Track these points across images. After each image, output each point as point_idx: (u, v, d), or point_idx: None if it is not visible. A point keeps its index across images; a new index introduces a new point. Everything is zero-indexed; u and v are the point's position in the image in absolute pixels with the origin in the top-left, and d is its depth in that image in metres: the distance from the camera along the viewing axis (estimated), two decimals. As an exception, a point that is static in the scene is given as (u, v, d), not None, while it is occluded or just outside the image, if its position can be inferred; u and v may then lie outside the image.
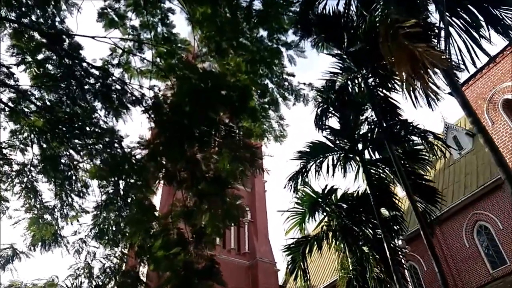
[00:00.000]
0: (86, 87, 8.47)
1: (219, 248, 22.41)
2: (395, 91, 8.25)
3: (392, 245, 8.42)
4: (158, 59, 8.90)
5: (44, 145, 8.96)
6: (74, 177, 10.11)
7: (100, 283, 11.48)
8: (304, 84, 9.99)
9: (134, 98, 8.82)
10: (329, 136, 8.73)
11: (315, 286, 24.30)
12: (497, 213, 17.63)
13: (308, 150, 8.86)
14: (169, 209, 9.24)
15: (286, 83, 9.75)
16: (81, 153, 9.41)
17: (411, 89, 6.60)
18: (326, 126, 8.68)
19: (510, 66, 10.28)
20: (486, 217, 18.04)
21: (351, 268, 8.88)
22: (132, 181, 9.52)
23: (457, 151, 21.67)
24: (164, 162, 9.60)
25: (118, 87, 8.80)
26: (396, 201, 8.91)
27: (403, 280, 6.92)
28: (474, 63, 5.63)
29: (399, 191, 11.77)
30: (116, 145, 9.33)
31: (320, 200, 9.53)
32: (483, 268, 17.60)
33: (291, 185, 8.97)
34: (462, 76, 10.99)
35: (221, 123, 8.39)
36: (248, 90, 8.54)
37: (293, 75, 9.89)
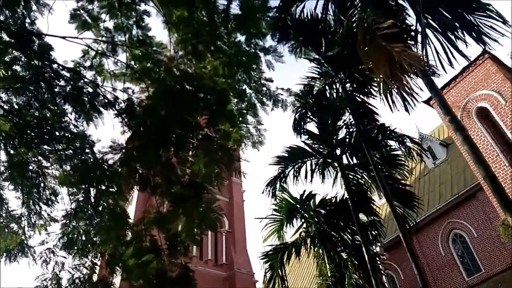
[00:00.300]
0: (56, 89, 8.16)
1: (195, 259, 21.95)
2: (372, 96, 8.25)
3: (370, 251, 8.33)
4: (132, 62, 8.65)
5: (11, 151, 8.58)
6: (42, 184, 9.76)
7: (68, 296, 10.94)
8: (282, 89, 9.94)
9: (106, 101, 8.53)
10: (307, 141, 8.65)
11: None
12: (471, 221, 17.89)
13: (286, 155, 8.73)
14: (142, 215, 8.94)
15: (264, 88, 9.65)
16: (50, 159, 9.07)
17: (388, 92, 6.58)
18: (304, 131, 8.59)
19: (483, 74, 10.48)
20: (461, 225, 18.28)
21: (329, 275, 8.73)
22: (103, 187, 9.18)
23: (432, 161, 22.02)
24: (137, 167, 9.30)
25: (90, 89, 8.51)
26: (374, 208, 8.86)
27: (382, 286, 6.79)
28: (451, 64, 5.63)
29: (377, 199, 11.78)
30: (87, 150, 9.00)
31: (298, 206, 9.39)
32: (459, 276, 17.77)
33: (269, 191, 8.80)
34: (438, 84, 11.13)
35: (198, 126, 8.22)
36: (226, 93, 8.38)
37: (271, 80, 9.81)
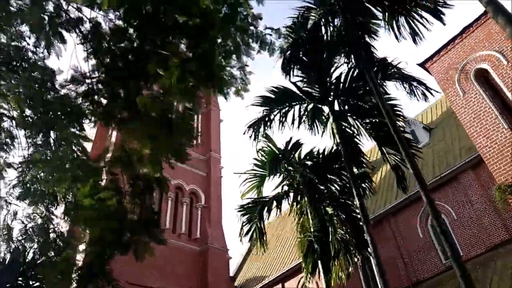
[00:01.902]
0: (12, 9, 6.90)
1: (168, 231, 20.85)
2: (373, 35, 7.28)
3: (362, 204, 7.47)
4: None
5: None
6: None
7: (20, 247, 9.82)
8: (272, 29, 8.89)
9: (70, 22, 7.31)
10: (298, 83, 7.63)
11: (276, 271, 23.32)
12: (452, 203, 17.33)
13: (273, 96, 7.71)
14: (102, 151, 7.77)
15: (252, 28, 8.60)
16: (7, 98, 7.90)
17: (394, 20, 5.61)
18: (294, 71, 7.58)
19: (485, 34, 9.74)
20: (441, 207, 17.68)
21: (312, 230, 7.80)
22: (65, 130, 8.01)
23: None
24: (102, 100, 8.12)
25: (51, 8, 7.26)
26: (365, 161, 7.98)
27: (371, 239, 5.90)
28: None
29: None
30: (47, 84, 7.80)
31: (282, 156, 8.41)
32: (436, 258, 17.20)
33: (252, 133, 7.76)
34: (434, 47, 10.23)
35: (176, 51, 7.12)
36: (210, 18, 7.29)
37: (260, 18, 8.76)
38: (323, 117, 8.00)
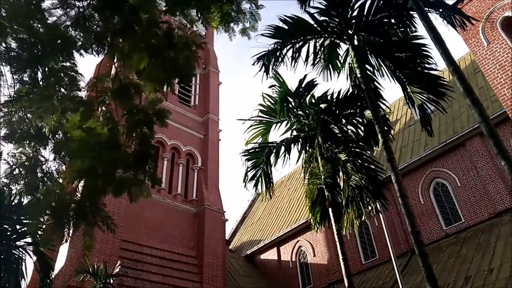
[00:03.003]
0: None
1: (164, 191, 20.23)
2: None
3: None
4: None
5: None
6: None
7: (6, 188, 9.11)
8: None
9: None
10: (315, 14, 6.74)
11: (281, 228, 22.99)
12: (456, 170, 16.81)
13: (286, 27, 6.84)
14: (94, 81, 6.95)
15: None
16: None
17: None
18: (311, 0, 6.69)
19: None
20: (445, 174, 17.21)
21: (323, 176, 7.14)
22: (54, 64, 7.16)
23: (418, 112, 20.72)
24: (95, 28, 7.27)
25: None
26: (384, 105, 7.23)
27: (400, 191, 5.21)
28: None
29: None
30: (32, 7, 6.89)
31: (293, 97, 7.62)
32: (437, 225, 16.82)
33: (262, 65, 6.91)
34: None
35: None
36: None
37: None
38: (340, 56, 7.18)
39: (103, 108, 6.48)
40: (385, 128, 6.78)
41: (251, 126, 8.39)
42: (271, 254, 22.10)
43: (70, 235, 5.80)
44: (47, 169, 7.50)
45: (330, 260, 19.45)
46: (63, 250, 16.22)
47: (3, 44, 7.60)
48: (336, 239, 6.92)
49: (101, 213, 6.00)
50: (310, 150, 7.81)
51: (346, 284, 6.61)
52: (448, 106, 19.69)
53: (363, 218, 7.26)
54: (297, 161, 7.97)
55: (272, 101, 8.38)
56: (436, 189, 17.53)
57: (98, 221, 6.00)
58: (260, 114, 8.52)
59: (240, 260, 23.04)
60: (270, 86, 7.71)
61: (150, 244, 18.09)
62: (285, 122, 8.43)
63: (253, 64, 6.81)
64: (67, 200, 5.58)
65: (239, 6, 7.53)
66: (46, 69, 7.00)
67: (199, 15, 7.04)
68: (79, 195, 5.77)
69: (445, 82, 6.28)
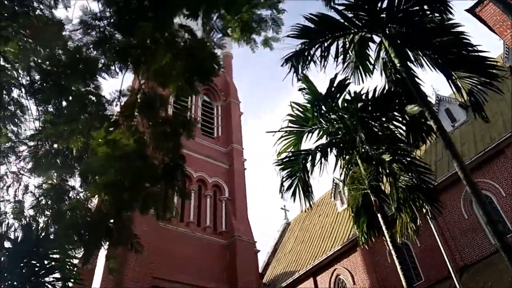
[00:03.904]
0: None
1: (193, 225, 19.66)
2: None
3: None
4: None
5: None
6: (6, 98, 7.74)
7: (32, 221, 8.66)
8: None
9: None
10: (342, 10, 6.33)
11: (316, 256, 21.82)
12: (499, 180, 15.64)
13: (312, 26, 6.43)
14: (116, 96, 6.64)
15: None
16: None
17: None
18: (338, -4, 6.30)
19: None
20: (487, 185, 16.02)
21: (367, 181, 6.45)
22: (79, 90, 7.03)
23: (450, 123, 19.83)
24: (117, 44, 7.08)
25: None
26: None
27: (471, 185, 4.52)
28: None
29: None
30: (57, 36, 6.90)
31: (324, 99, 7.09)
32: (485, 240, 15.47)
33: (290, 66, 6.45)
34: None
35: None
36: None
37: None
38: (372, 51, 6.68)
39: (129, 122, 6.13)
40: (429, 122, 6.14)
41: (281, 137, 7.87)
42: (307, 285, 20.86)
43: (93, 255, 5.27)
44: (74, 196, 7.11)
45: (371, 287, 18.11)
46: (96, 280, 15.69)
47: (27, 77, 7.46)
48: (391, 248, 6.14)
49: (127, 231, 5.47)
50: (347, 156, 7.18)
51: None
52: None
53: (418, 223, 6.47)
54: (334, 168, 7.34)
55: (301, 109, 7.89)
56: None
57: (124, 241, 5.45)
58: (290, 124, 8.02)
59: (275, 294, 21.86)
60: (300, 89, 7.25)
61: (181, 279, 17.33)
62: (317, 131, 7.87)
63: (281, 66, 6.38)
64: (92, 216, 5.11)
65: (260, 16, 7.19)
66: (70, 96, 6.77)
67: (218, 25, 6.76)
68: (104, 211, 5.28)
69: (495, 63, 5.66)
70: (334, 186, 23.45)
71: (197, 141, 21.67)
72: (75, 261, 6.56)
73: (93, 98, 6.86)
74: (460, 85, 5.74)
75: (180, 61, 4.99)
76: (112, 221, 5.24)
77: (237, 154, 23.30)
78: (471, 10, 9.61)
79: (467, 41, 6.02)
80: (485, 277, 13.73)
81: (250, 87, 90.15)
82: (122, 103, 6.23)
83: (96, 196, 4.88)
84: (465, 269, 15.44)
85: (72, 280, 8.36)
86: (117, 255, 6.06)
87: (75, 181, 7.37)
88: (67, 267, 8.50)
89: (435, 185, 14.62)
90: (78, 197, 6.04)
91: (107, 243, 5.42)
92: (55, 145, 7.13)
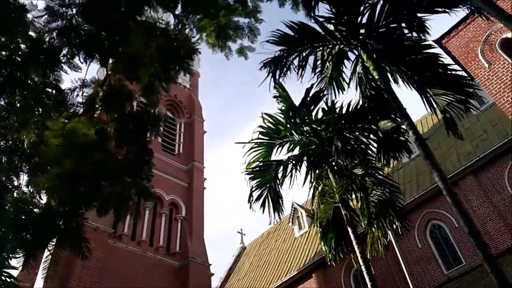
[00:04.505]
0: None
1: (144, 244, 18.60)
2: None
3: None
4: None
5: None
6: None
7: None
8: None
9: None
10: (323, 22, 6.27)
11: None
12: (452, 211, 16.10)
13: (292, 33, 6.31)
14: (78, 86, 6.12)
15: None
16: None
17: None
18: (319, 5, 6.26)
19: (509, 5, 8.86)
20: (441, 215, 16.45)
21: (338, 194, 6.23)
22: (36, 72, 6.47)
23: (406, 155, 20.40)
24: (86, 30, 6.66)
25: None
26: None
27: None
28: None
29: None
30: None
31: (299, 109, 6.90)
32: (437, 269, 15.70)
33: (268, 72, 6.24)
34: (451, 22, 9.30)
35: None
36: None
37: None
38: (350, 64, 6.65)
39: (90, 114, 5.59)
40: (402, 138, 6.11)
41: (251, 148, 7.57)
42: (261, 312, 20.17)
43: (34, 260, 4.57)
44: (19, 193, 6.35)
45: (327, 314, 17.77)
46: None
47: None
48: (361, 263, 5.88)
49: (78, 233, 4.81)
50: (318, 169, 6.98)
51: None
52: (435, 149, 19.52)
53: (388, 239, 6.31)
54: (304, 182, 7.10)
55: (273, 121, 7.67)
56: (433, 232, 16.66)
57: (73, 244, 4.77)
58: (261, 136, 7.76)
59: (227, 320, 20.92)
60: (275, 97, 7.05)
61: (130, 302, 16.13)
62: (287, 144, 7.66)
63: (260, 69, 6.16)
64: (39, 213, 4.45)
65: (236, 23, 6.99)
66: (26, 89, 6.16)
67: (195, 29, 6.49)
68: (55, 208, 4.62)
69: (470, 82, 5.75)
70: (292, 211, 23.25)
71: (156, 157, 20.83)
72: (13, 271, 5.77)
73: (52, 91, 6.29)
74: (435, 102, 5.76)
75: (155, 41, 4.61)
76: (62, 220, 4.60)
77: (197, 173, 22.67)
78: (438, 41, 10.01)
79: (442, 61, 6.12)
80: (438, 306, 13.80)
81: (218, 108, 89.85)
82: (85, 94, 5.72)
83: (46, 189, 4.23)
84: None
85: None
86: (59, 264, 5.34)
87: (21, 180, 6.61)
88: (2, 279, 7.49)
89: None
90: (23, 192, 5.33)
91: (54, 245, 4.76)
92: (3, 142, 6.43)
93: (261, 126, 7.78)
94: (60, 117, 5.06)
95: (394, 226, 6.25)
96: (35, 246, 4.39)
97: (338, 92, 7.14)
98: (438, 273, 15.65)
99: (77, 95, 5.73)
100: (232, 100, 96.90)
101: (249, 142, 7.71)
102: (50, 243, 4.67)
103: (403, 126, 6.22)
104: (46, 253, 5.81)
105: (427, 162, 4.77)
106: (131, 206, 5.03)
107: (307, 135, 7.08)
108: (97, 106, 5.59)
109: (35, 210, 4.51)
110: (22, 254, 4.74)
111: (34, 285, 15.67)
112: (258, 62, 6.43)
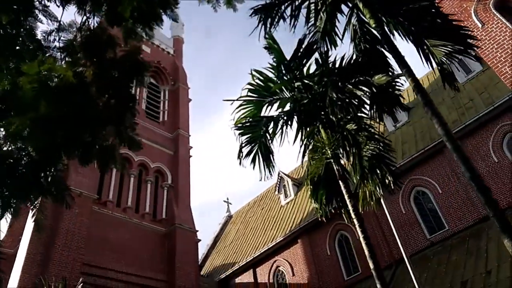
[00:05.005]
0: None
1: (130, 211, 18.39)
2: None
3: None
4: None
5: None
6: None
7: None
8: None
9: None
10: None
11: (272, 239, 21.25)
12: (436, 178, 16.26)
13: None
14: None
15: None
16: None
17: None
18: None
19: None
20: (425, 182, 16.61)
21: (330, 150, 6.05)
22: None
23: (392, 124, 20.45)
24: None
25: None
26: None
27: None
28: None
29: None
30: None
31: (290, 63, 6.60)
32: (420, 234, 16.00)
33: (259, 19, 5.88)
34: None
35: None
36: None
37: None
38: (345, 12, 6.31)
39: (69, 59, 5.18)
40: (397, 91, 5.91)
41: (240, 105, 7.28)
42: (246, 277, 20.41)
43: (15, 210, 4.26)
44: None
45: (310, 279, 18.06)
46: (18, 263, 14.04)
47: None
48: (353, 216, 5.77)
49: (60, 182, 4.51)
50: (310, 127, 6.76)
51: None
52: (421, 117, 19.54)
53: (379, 193, 6.20)
54: (295, 140, 6.87)
55: (262, 78, 7.35)
56: (417, 198, 16.86)
57: (54, 192, 4.47)
58: (249, 93, 7.45)
59: (213, 286, 21.14)
60: (265, 48, 6.71)
61: (116, 267, 16.05)
62: (278, 102, 7.38)
63: (250, 16, 5.79)
64: (15, 163, 4.12)
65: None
66: None
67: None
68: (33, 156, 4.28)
69: (470, 32, 5.51)
70: (279, 180, 23.25)
71: (140, 124, 20.38)
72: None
73: (27, 38, 5.81)
74: (432, 54, 5.52)
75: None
76: (42, 170, 4.27)
77: (182, 141, 22.32)
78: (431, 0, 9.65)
79: (441, 11, 5.84)
80: (421, 268, 14.11)
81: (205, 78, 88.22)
82: (63, 39, 5.29)
83: (19, 133, 3.86)
84: (401, 261, 15.82)
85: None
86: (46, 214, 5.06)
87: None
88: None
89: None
90: None
91: (34, 196, 4.45)
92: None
93: (250, 84, 7.46)
94: (36, 61, 4.64)
95: (387, 181, 6.13)
96: (15, 197, 4.07)
97: (331, 47, 6.84)
98: (421, 237, 15.95)
99: (54, 39, 5.30)
100: (219, 73, 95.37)
101: (237, 100, 7.40)
102: (32, 195, 4.35)
103: (399, 80, 5.99)
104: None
105: (426, 109, 4.57)
106: (116, 156, 4.73)
107: (299, 90, 6.80)
108: (77, 53, 5.17)
109: (9, 159, 4.15)
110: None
111: (17, 251, 15.41)
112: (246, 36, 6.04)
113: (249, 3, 7.08)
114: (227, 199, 28.61)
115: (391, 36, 5.99)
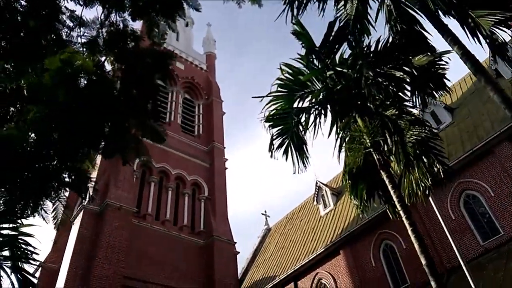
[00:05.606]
0: None
1: (169, 224, 18.36)
2: None
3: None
4: None
5: None
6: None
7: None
8: None
9: None
10: None
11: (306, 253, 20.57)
12: (487, 180, 15.01)
13: (312, -38, 5.59)
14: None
15: None
16: None
17: None
18: None
19: None
20: (475, 185, 15.39)
21: (368, 139, 5.53)
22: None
23: (435, 125, 19.34)
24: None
25: None
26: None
27: None
28: None
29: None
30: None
31: (320, 50, 6.19)
32: (473, 241, 14.72)
33: (287, 1, 5.55)
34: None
35: None
36: None
37: None
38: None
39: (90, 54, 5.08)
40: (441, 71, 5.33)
41: (270, 101, 6.93)
42: (288, 290, 19.66)
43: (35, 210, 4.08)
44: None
45: (354, 291, 17.10)
46: (61, 278, 14.18)
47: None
48: (400, 210, 5.18)
49: (80, 174, 4.29)
50: (344, 118, 6.28)
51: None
52: (466, 117, 18.37)
53: (428, 183, 5.57)
54: (330, 132, 6.39)
55: (292, 72, 6.99)
56: (467, 202, 15.62)
57: (75, 183, 4.24)
58: (279, 88, 7.09)
59: (254, 300, 20.53)
60: (293, 33, 6.35)
61: (155, 280, 15.93)
62: (309, 97, 6.97)
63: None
64: (35, 151, 3.95)
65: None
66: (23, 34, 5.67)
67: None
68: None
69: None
70: (317, 190, 22.54)
71: (176, 138, 20.55)
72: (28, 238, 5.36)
73: (52, 37, 5.78)
74: (478, 26, 4.94)
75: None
76: (62, 160, 4.08)
77: (218, 153, 22.24)
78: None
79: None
80: (476, 277, 12.90)
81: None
82: (86, 34, 5.21)
83: (37, 120, 3.68)
84: (454, 271, 14.61)
85: (23, 260, 6.93)
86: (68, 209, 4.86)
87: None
88: (18, 243, 7.10)
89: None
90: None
91: (53, 189, 4.26)
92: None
93: (279, 78, 7.11)
94: (58, 55, 4.53)
95: (435, 169, 5.50)
96: (32, 190, 3.90)
97: (363, 33, 6.37)
98: (474, 244, 14.68)
99: (78, 35, 5.23)
100: (249, 86, 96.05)
101: (267, 96, 7.06)
102: (51, 188, 4.17)
103: (442, 61, 5.41)
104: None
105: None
106: (139, 148, 4.49)
107: (331, 79, 6.36)
108: (100, 47, 5.06)
109: (29, 147, 3.99)
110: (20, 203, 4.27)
111: (61, 265, 15.63)
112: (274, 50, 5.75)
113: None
114: (265, 211, 28.06)
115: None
